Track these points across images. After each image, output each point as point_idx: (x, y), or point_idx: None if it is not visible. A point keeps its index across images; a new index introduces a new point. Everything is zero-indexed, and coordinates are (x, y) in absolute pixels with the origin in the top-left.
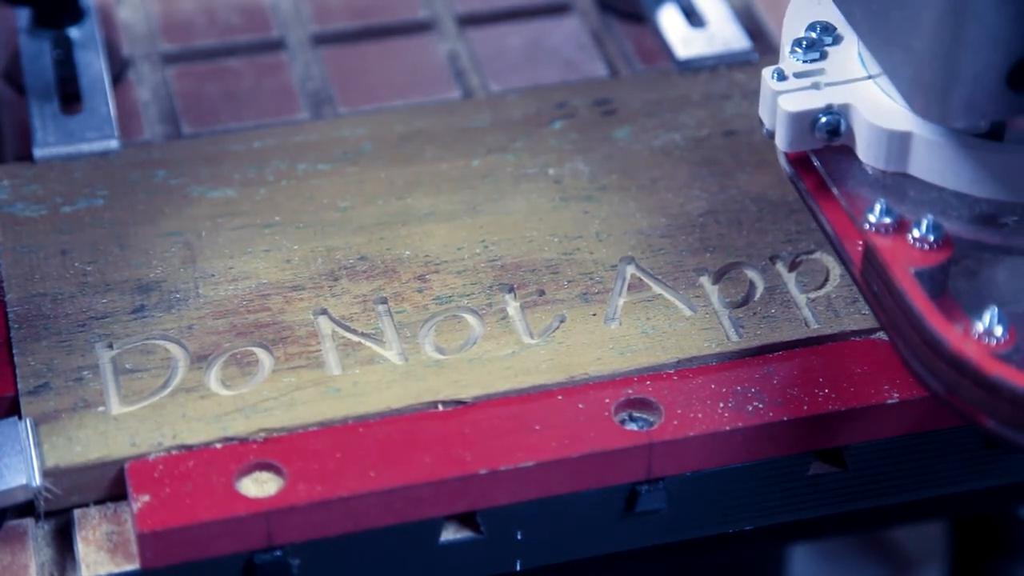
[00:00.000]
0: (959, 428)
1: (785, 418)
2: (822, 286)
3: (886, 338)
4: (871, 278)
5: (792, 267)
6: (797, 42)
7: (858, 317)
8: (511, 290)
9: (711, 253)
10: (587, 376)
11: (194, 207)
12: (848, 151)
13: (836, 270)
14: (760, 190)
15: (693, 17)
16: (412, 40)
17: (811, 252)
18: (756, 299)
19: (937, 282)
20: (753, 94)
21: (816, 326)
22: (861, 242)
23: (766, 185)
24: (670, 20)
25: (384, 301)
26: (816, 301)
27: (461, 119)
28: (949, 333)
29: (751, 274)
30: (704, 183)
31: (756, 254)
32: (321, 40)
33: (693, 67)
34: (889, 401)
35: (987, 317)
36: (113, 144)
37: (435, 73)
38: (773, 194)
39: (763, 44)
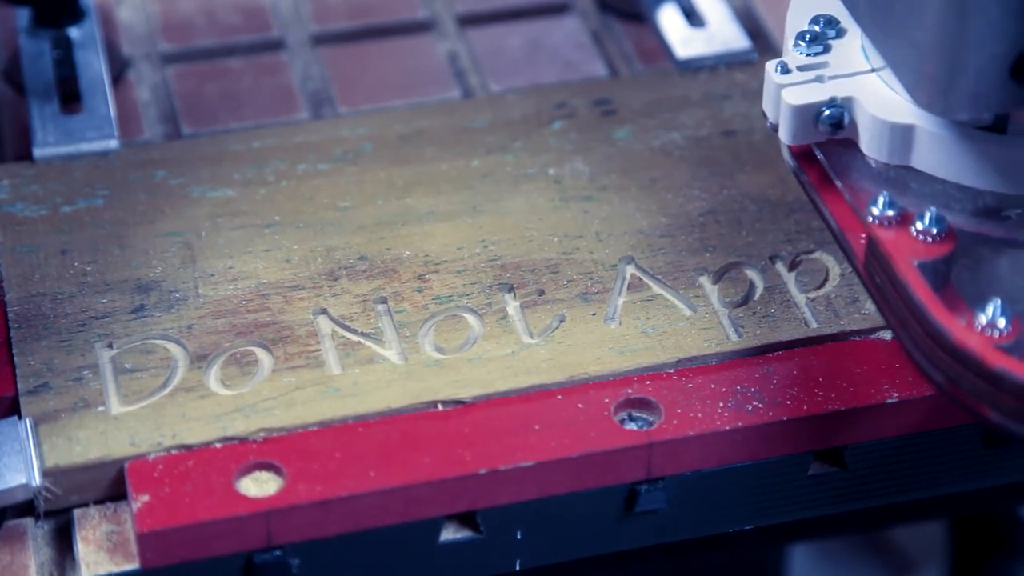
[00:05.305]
0: (959, 428)
1: (785, 418)
2: (822, 286)
3: (886, 338)
4: (874, 271)
5: (792, 267)
6: (800, 35)
7: (858, 317)
8: (511, 290)
9: (711, 253)
10: (587, 376)
11: (194, 207)
12: (851, 144)
13: (836, 270)
14: (760, 190)
15: (693, 17)
16: (412, 40)
17: (811, 252)
18: (756, 299)
19: (940, 274)
20: (753, 94)
21: (816, 326)
22: (864, 235)
23: (766, 185)
24: (670, 20)
25: (384, 301)
26: (816, 301)
27: (461, 119)
28: (952, 325)
29: (751, 274)
30: (704, 183)
31: (756, 254)
32: (321, 40)
33: (693, 67)
34: (889, 401)
35: (990, 309)
36: (113, 144)
37: (435, 73)
38: (773, 194)
39: (763, 44)
